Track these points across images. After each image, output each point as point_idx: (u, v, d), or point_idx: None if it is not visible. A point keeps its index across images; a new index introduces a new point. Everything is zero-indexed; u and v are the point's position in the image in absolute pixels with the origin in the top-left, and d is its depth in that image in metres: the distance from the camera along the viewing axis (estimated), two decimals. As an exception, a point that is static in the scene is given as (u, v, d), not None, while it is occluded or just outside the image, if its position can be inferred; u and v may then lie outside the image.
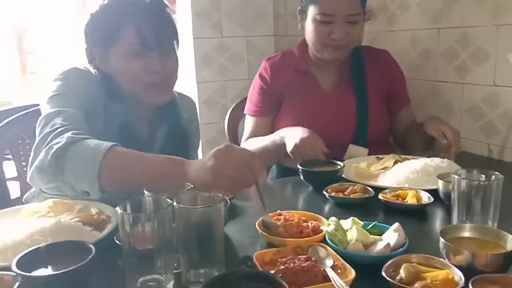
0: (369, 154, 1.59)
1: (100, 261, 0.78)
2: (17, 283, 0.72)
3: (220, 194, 0.80)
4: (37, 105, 1.30)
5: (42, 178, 1.05)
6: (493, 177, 0.93)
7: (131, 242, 0.74)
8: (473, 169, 0.99)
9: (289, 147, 1.45)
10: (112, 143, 1.02)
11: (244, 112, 1.79)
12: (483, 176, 0.97)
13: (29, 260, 0.76)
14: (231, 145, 1.00)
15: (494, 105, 1.65)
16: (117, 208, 0.74)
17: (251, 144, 1.68)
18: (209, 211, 0.76)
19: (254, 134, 1.72)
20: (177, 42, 1.30)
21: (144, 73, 1.22)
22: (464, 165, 1.34)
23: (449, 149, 1.44)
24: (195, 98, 2.32)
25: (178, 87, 1.44)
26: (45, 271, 0.76)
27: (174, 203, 0.76)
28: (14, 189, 1.64)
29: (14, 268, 0.73)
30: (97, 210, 1.08)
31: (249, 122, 1.75)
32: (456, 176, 0.92)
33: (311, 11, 1.58)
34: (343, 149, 1.60)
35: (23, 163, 1.57)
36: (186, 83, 2.40)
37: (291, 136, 1.46)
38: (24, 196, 1.35)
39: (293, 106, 1.67)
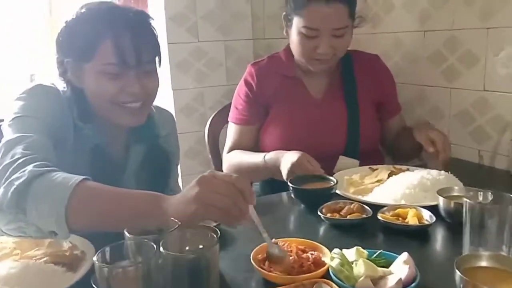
0: (360, 164, 1.52)
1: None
2: None
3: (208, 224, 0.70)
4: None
5: (1, 218, 0.91)
6: (507, 199, 0.86)
7: (111, 294, 0.64)
8: (478, 188, 0.93)
9: (285, 175, 1.36)
10: (82, 177, 0.89)
11: (228, 119, 1.69)
12: (490, 193, 0.90)
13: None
14: (215, 172, 0.89)
15: (484, 110, 1.61)
16: (95, 259, 0.63)
17: (236, 157, 1.59)
18: (202, 255, 0.67)
19: (238, 143, 1.63)
20: (159, 60, 1.17)
21: (120, 94, 1.09)
22: (455, 173, 1.30)
23: (437, 157, 1.38)
24: (171, 106, 2.23)
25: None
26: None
27: (161, 249, 0.66)
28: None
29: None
30: (70, 245, 0.97)
31: (232, 130, 1.66)
32: (467, 200, 0.85)
33: (296, 22, 1.48)
34: (333, 159, 1.53)
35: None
36: (161, 90, 2.28)
37: (284, 163, 1.38)
38: None
39: (281, 114, 1.58)
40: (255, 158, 1.51)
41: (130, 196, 0.92)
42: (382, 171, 1.40)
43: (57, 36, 1.13)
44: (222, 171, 1.90)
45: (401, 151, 1.65)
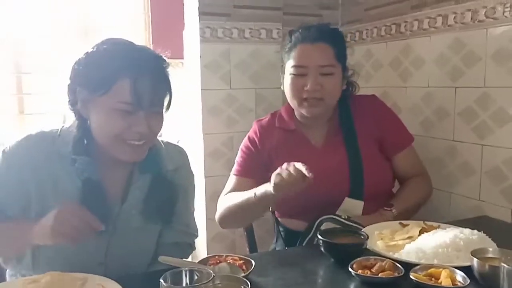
0: (369, 211, 1.53)
1: None
2: None
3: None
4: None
5: None
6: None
7: None
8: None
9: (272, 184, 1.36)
10: None
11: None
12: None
13: None
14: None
15: (517, 168, 1.59)
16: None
17: (231, 197, 1.61)
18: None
19: (234, 191, 1.65)
20: (169, 102, 1.21)
21: (126, 131, 1.13)
22: (486, 231, 1.28)
23: None
24: (201, 149, 2.26)
25: (177, 138, 1.37)
26: None
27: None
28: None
29: None
30: (101, 287, 0.99)
31: (231, 181, 1.71)
32: (505, 266, 0.83)
33: (288, 66, 1.59)
34: (339, 204, 1.54)
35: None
36: (193, 134, 2.33)
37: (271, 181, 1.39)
38: None
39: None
40: (247, 194, 1.52)
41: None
42: (413, 227, 1.38)
43: (73, 64, 1.16)
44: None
45: None
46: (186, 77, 2.39)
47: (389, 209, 1.53)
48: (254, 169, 1.66)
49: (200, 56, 2.20)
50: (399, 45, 2.04)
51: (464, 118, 1.76)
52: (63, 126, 1.23)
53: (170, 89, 1.20)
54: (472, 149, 1.73)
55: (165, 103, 1.20)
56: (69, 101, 1.19)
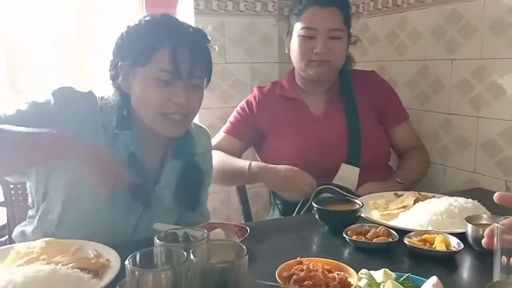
0: (365, 179, 1.55)
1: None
2: None
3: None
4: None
5: None
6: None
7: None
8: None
9: (273, 187, 1.50)
10: None
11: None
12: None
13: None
14: None
15: (512, 140, 1.59)
16: (126, 263, 0.63)
17: (220, 156, 1.64)
18: (232, 266, 0.66)
19: (220, 148, 1.70)
20: (208, 80, 1.22)
21: (167, 103, 1.12)
22: (486, 205, 1.28)
23: None
24: (196, 124, 2.25)
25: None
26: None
27: (191, 256, 0.66)
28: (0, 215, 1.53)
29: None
30: (95, 253, 0.98)
31: (219, 137, 1.76)
32: (499, 225, 0.83)
33: (296, 28, 1.62)
34: (336, 172, 1.57)
35: (11, 186, 1.46)
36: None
37: (274, 175, 1.51)
38: (13, 235, 1.25)
39: (284, 134, 1.65)
40: (238, 162, 1.59)
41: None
42: (408, 197, 1.39)
43: (116, 39, 1.17)
44: (244, 191, 1.91)
45: None
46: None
47: (401, 182, 1.55)
48: (245, 132, 1.72)
49: (195, 29, 2.18)
50: (396, 18, 2.02)
51: (460, 90, 1.75)
52: (102, 98, 1.20)
53: (211, 64, 1.20)
54: (468, 122, 1.73)
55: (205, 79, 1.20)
56: (110, 76, 1.19)
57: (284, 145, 1.63)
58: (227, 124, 1.77)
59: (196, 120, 2.22)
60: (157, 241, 0.73)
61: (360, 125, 1.63)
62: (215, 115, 2.28)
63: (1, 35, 2.38)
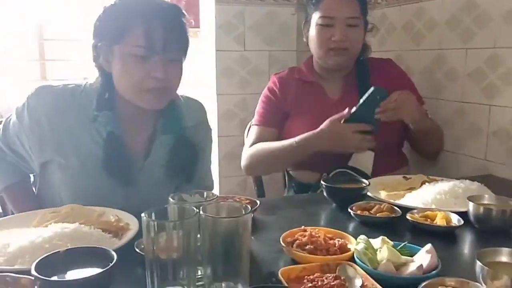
0: (380, 163, 1.57)
1: (119, 269, 0.75)
2: (35, 287, 0.70)
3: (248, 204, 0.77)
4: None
5: None
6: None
7: (154, 251, 0.71)
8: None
9: (327, 146, 1.52)
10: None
11: (251, 125, 1.82)
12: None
13: (48, 265, 0.73)
14: None
15: (524, 128, 1.61)
16: (143, 215, 0.71)
17: (263, 145, 1.67)
18: (237, 221, 0.73)
19: (259, 141, 1.73)
20: (185, 54, 1.24)
21: (145, 79, 1.17)
22: (493, 189, 1.31)
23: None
24: (214, 110, 2.32)
25: (192, 95, 1.43)
26: (65, 277, 0.74)
27: (201, 212, 0.73)
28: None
29: (33, 272, 0.70)
30: (116, 217, 1.07)
31: (253, 131, 1.77)
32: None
33: (314, 17, 1.66)
34: (350, 155, 1.59)
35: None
36: (206, 94, 2.39)
37: (320, 135, 1.52)
38: None
39: (302, 116, 1.70)
40: (284, 143, 1.61)
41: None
42: (416, 180, 1.43)
43: (94, 21, 1.22)
44: (259, 177, 1.98)
45: (422, 147, 1.78)
46: (201, 37, 2.43)
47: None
48: (276, 119, 1.74)
49: (215, 17, 2.24)
50: (413, 8, 2.05)
51: (473, 79, 1.77)
52: (86, 83, 1.28)
53: (186, 38, 1.23)
54: (480, 110, 1.75)
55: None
56: (93, 58, 1.24)
57: (301, 126, 1.66)
58: (256, 117, 1.79)
59: (214, 105, 2.32)
60: (171, 199, 0.81)
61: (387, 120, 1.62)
62: (233, 101, 2.35)
63: (34, 25, 2.49)
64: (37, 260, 0.73)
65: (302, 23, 1.77)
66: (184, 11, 1.24)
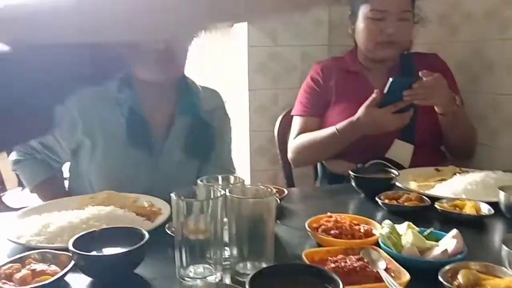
0: (418, 158, 1.55)
1: (151, 250, 0.79)
2: (72, 262, 0.75)
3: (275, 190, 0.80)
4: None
5: None
6: None
7: (183, 231, 0.75)
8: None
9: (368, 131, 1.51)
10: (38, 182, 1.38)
11: (292, 114, 1.81)
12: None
13: (85, 242, 0.78)
14: None
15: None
16: (172, 195, 0.74)
17: (307, 137, 1.67)
18: (261, 203, 0.76)
19: (304, 131, 1.73)
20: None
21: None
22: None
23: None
24: (246, 105, 2.35)
25: (212, 86, 1.53)
26: (100, 252, 0.78)
27: (227, 193, 0.76)
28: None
29: (70, 247, 0.75)
30: (149, 203, 1.11)
31: (297, 122, 1.77)
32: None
33: (363, 10, 1.63)
34: (388, 148, 1.59)
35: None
36: (238, 90, 2.42)
37: (358, 123, 1.51)
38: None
39: (345, 105, 1.68)
40: (326, 131, 1.61)
41: None
42: (447, 171, 1.41)
43: None
44: (290, 169, 2.00)
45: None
46: (232, 33, 2.47)
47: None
48: (318, 108, 1.74)
49: (247, 13, 2.27)
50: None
51: (509, 70, 1.73)
52: None
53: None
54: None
55: None
56: None
57: (343, 114, 1.65)
58: (299, 107, 1.78)
59: (246, 101, 2.35)
60: (199, 182, 0.85)
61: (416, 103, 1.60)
62: (265, 96, 2.38)
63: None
64: (74, 238, 0.78)
65: (348, 16, 1.74)
66: None
